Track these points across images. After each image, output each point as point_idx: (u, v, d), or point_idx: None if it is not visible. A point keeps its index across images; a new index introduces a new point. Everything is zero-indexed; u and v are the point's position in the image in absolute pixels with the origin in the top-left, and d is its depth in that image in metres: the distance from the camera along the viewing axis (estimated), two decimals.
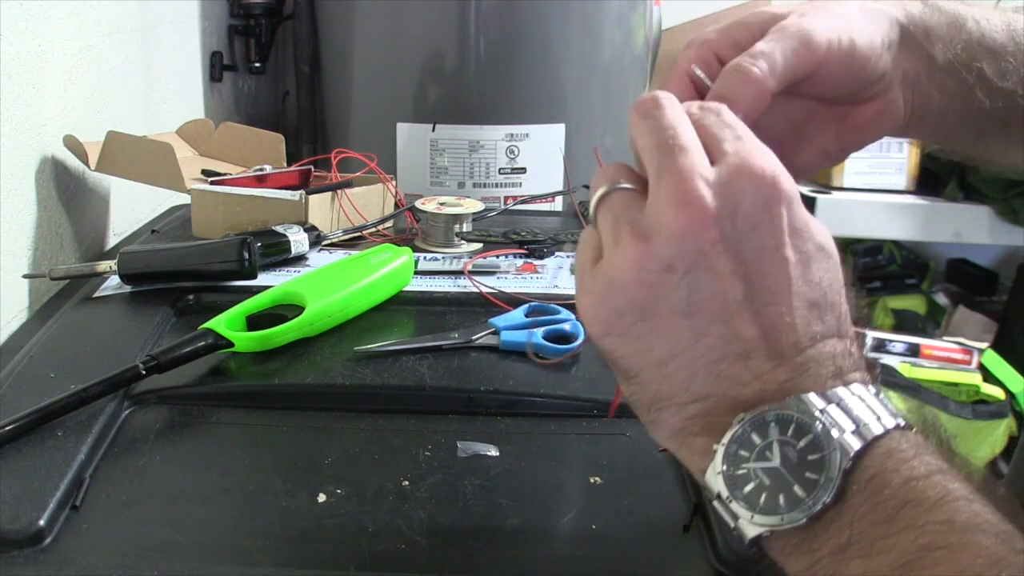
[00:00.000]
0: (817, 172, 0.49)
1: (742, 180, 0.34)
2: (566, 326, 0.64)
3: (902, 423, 0.33)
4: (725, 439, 0.33)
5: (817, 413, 0.32)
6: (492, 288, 0.74)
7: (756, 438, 0.33)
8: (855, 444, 0.31)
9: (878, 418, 0.32)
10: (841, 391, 0.33)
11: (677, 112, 0.36)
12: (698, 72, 0.42)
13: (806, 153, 0.47)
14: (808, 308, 0.34)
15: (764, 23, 0.43)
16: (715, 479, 0.33)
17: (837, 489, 0.31)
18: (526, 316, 0.67)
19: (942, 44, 0.45)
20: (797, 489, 0.32)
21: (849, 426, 0.32)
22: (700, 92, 0.43)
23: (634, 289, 0.34)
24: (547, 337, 0.62)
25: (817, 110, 0.46)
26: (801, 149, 0.47)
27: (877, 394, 0.33)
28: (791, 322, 0.34)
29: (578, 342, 0.62)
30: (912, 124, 0.47)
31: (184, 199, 0.90)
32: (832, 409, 0.32)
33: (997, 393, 1.69)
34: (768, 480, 0.33)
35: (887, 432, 0.32)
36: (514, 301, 0.71)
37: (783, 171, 0.35)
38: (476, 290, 0.74)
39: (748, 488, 0.33)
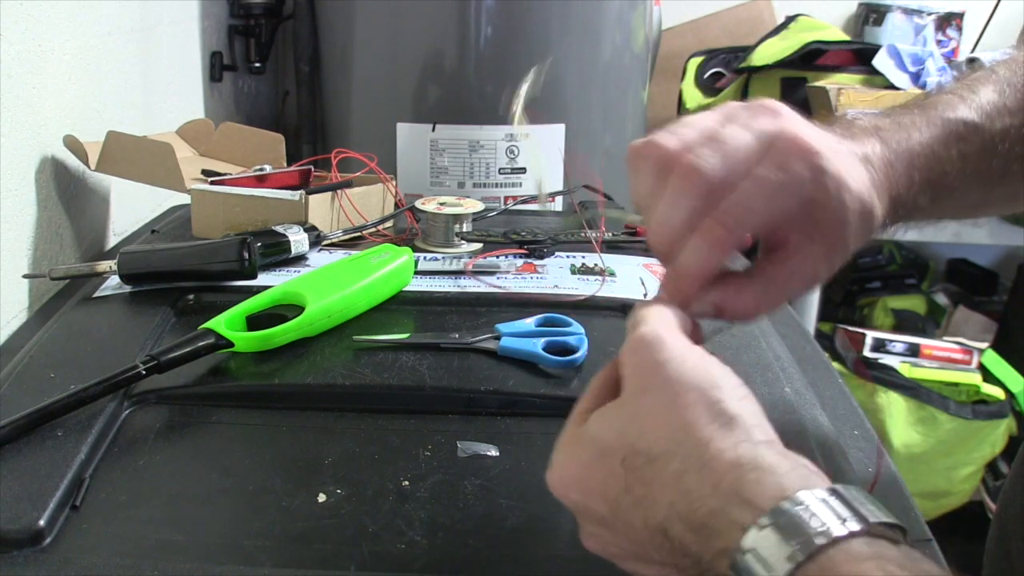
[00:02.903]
0: None
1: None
2: (569, 339, 0.63)
3: (801, 559, 0.31)
4: None
5: None
6: (495, 288, 0.74)
7: None
8: None
9: None
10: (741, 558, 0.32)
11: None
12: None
13: None
14: (637, 515, 0.36)
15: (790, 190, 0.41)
16: None
17: None
18: (537, 326, 0.66)
19: (913, 194, 0.46)
20: None
21: None
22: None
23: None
24: (548, 348, 0.61)
25: None
26: None
27: (754, 551, 0.32)
28: (650, 496, 0.35)
29: (579, 355, 0.61)
30: None
31: (184, 199, 0.90)
32: None
33: (997, 393, 1.69)
34: None
35: None
36: (523, 303, 0.70)
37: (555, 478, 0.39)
38: (476, 290, 0.74)
39: None
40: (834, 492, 0.33)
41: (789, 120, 0.42)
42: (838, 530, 0.31)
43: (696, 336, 0.42)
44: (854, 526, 0.31)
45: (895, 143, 0.46)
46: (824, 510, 0.32)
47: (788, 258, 0.43)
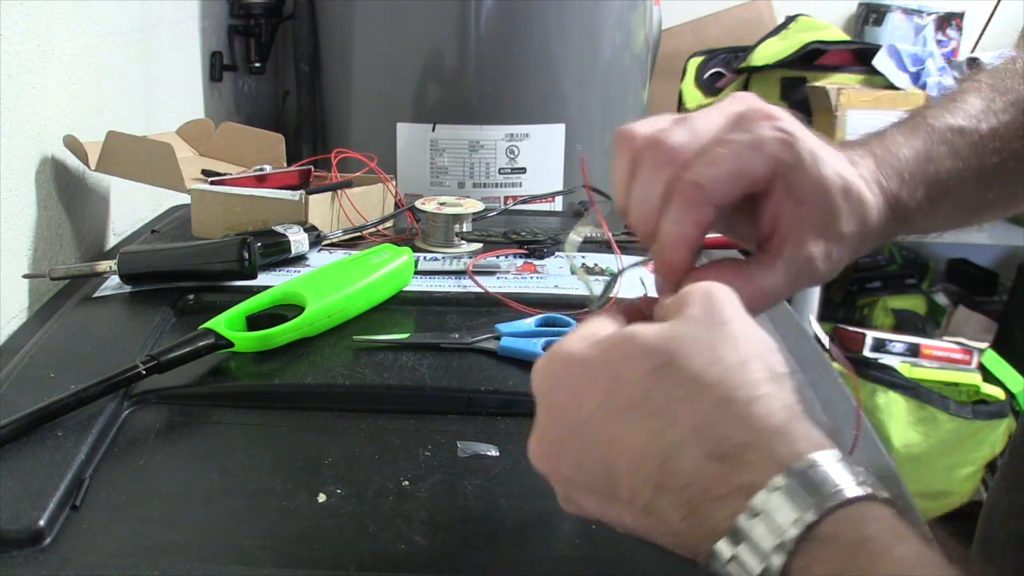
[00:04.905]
0: None
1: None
2: None
3: (807, 527, 0.31)
4: None
5: (729, 562, 0.32)
6: (495, 288, 0.74)
7: None
8: None
9: (779, 544, 0.31)
10: (742, 522, 0.32)
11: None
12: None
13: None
14: (637, 431, 0.35)
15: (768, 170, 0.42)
16: None
17: None
18: (537, 326, 0.66)
19: (907, 193, 0.46)
20: None
21: (757, 567, 0.31)
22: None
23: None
24: (547, 348, 0.61)
25: None
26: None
27: (787, 488, 0.32)
28: (631, 459, 0.35)
29: None
30: None
31: (184, 199, 0.90)
32: (741, 551, 0.32)
33: (997, 393, 1.69)
34: None
35: (795, 552, 0.31)
36: (520, 302, 0.71)
37: (547, 364, 0.38)
38: (476, 290, 0.74)
39: None
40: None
41: (757, 100, 0.44)
42: (879, 491, 0.32)
43: None
44: (882, 494, 0.32)
45: (881, 150, 0.46)
46: (859, 470, 0.32)
47: (783, 245, 0.43)
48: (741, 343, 0.36)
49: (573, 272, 0.79)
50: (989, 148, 0.48)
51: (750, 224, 0.44)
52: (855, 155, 0.45)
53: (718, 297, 0.37)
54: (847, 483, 0.32)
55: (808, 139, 0.42)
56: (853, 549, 0.30)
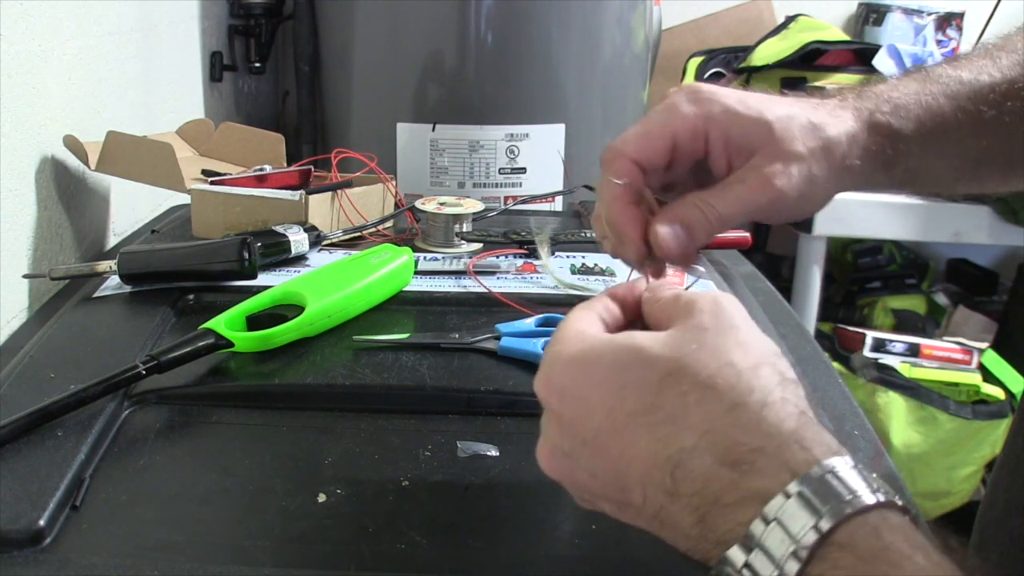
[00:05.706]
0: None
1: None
2: None
3: (823, 535, 0.30)
4: None
5: (742, 569, 0.32)
6: (494, 288, 0.74)
7: None
8: None
9: (793, 551, 0.30)
10: (755, 528, 0.31)
11: None
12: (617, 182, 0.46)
13: None
14: (646, 438, 0.35)
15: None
16: None
17: None
18: (537, 326, 0.66)
19: (896, 120, 0.47)
20: None
21: (771, 574, 0.31)
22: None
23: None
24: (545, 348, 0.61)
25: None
26: None
27: (801, 494, 0.31)
28: (642, 466, 0.35)
29: None
30: None
31: (184, 199, 0.90)
32: (754, 558, 0.31)
33: (997, 393, 1.69)
34: None
35: (810, 560, 0.31)
36: (519, 302, 0.71)
37: (548, 372, 0.38)
38: (476, 290, 0.74)
39: None
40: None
41: (690, 83, 0.48)
42: (893, 498, 0.32)
43: None
44: (898, 501, 0.32)
45: (866, 88, 0.48)
46: (874, 477, 0.32)
47: (733, 170, 0.46)
48: (751, 348, 0.36)
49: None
50: (988, 99, 0.48)
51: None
52: (821, 96, 0.48)
53: (724, 304, 0.38)
54: (862, 490, 0.31)
55: (728, 92, 0.46)
56: (870, 558, 0.30)
